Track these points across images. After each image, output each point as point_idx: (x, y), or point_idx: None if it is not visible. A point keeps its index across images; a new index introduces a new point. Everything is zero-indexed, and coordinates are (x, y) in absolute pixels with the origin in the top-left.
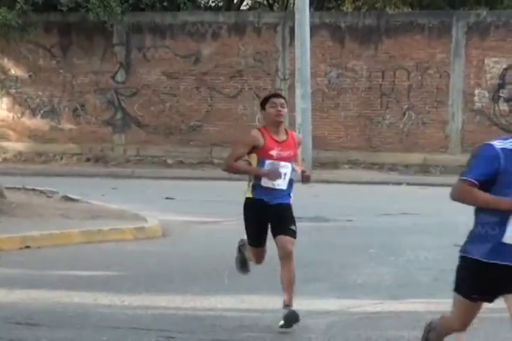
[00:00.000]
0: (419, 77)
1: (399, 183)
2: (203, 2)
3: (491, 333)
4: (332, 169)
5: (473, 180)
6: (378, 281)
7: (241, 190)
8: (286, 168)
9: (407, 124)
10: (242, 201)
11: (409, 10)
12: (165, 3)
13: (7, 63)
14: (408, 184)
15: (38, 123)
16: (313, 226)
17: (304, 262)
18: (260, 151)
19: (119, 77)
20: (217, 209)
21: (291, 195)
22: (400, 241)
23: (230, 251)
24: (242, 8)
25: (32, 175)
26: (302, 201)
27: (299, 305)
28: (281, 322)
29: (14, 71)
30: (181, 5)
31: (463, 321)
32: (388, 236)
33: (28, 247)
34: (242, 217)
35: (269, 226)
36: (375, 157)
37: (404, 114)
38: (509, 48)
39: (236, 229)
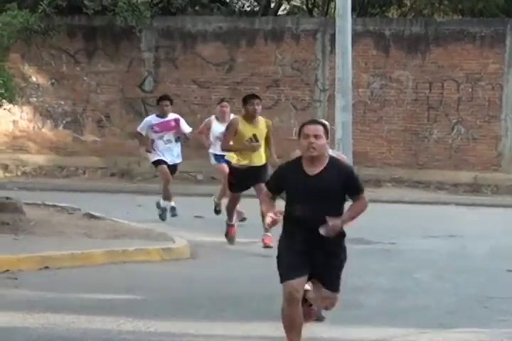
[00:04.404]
0: (470, 89)
1: (447, 203)
2: (237, 6)
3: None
4: (374, 187)
5: None
6: (424, 308)
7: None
8: None
9: (456, 140)
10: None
11: (460, 17)
12: (197, 8)
13: (28, 69)
14: (457, 204)
15: (59, 134)
16: (354, 249)
17: (343, 288)
18: None
19: (147, 86)
20: (249, 229)
21: None
22: (447, 265)
23: (263, 275)
24: (279, 13)
25: (52, 190)
26: None
27: (337, 333)
28: None
29: (35, 78)
30: (214, 9)
31: None
32: (435, 259)
33: (47, 268)
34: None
35: None
36: (421, 175)
37: (453, 128)
38: None
39: (267, 251)
